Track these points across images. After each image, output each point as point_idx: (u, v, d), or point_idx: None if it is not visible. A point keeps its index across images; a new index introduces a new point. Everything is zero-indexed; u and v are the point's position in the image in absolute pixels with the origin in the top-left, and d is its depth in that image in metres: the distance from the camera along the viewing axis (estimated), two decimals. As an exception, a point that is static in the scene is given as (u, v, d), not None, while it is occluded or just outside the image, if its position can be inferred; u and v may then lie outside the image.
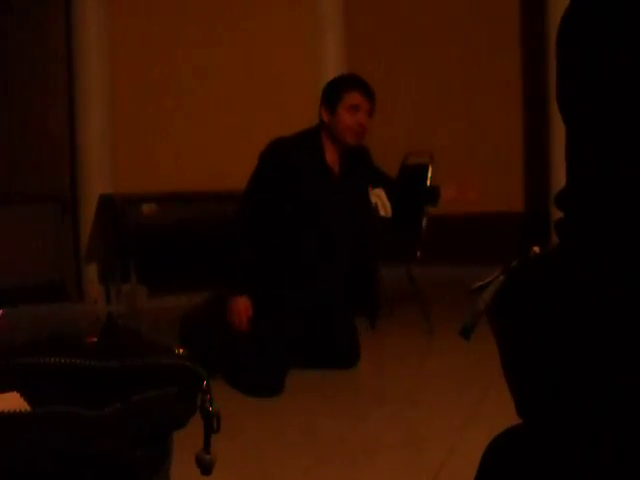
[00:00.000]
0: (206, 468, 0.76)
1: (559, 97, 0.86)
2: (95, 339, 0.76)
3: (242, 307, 3.12)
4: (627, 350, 0.75)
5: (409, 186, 4.15)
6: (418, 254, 4.11)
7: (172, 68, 5.41)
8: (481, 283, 0.93)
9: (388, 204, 4.07)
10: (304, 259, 3.31)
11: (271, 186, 3.28)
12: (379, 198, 4.10)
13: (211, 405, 0.74)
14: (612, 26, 0.77)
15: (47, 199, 5.19)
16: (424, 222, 4.15)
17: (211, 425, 0.74)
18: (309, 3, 5.72)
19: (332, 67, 5.61)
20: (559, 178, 5.01)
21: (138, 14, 5.33)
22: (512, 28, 6.26)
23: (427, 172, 4.22)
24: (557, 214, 0.89)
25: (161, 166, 5.32)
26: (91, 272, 5.14)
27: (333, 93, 3.40)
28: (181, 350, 0.76)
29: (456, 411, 2.66)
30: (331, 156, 3.42)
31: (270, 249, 3.26)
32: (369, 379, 3.28)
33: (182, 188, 5.06)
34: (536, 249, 0.89)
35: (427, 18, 6.50)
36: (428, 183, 4.18)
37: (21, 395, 0.69)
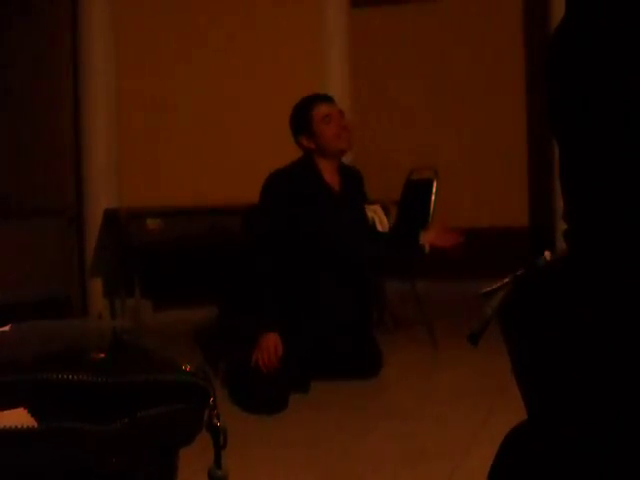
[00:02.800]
0: (219, 484, 0.76)
1: (552, 119, 0.87)
2: (102, 355, 0.76)
3: (272, 344, 3.06)
4: (633, 354, 0.76)
5: (406, 212, 4.21)
6: (423, 268, 4.11)
7: (178, 83, 5.44)
8: (490, 288, 0.94)
9: (385, 219, 4.10)
10: (316, 279, 3.33)
11: (280, 215, 3.29)
12: (376, 214, 4.13)
13: (218, 421, 0.74)
14: (607, 49, 0.78)
15: (52, 213, 5.20)
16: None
17: (218, 441, 0.74)
18: (315, 17, 5.74)
19: (337, 81, 5.64)
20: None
21: (144, 29, 5.36)
22: (516, 42, 6.28)
23: (432, 187, 4.23)
24: (562, 228, 0.89)
25: (166, 181, 5.34)
26: (96, 286, 5.15)
27: (300, 119, 3.45)
28: (188, 366, 0.76)
29: (462, 426, 2.65)
30: (330, 176, 3.46)
31: (285, 273, 3.26)
32: (374, 393, 3.27)
33: (187, 203, 5.08)
34: (547, 254, 0.90)
35: (433, 32, 6.52)
36: (432, 199, 4.19)
37: (28, 411, 0.69)
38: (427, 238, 3.63)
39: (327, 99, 3.50)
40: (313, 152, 3.43)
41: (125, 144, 5.26)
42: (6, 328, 0.80)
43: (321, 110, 3.42)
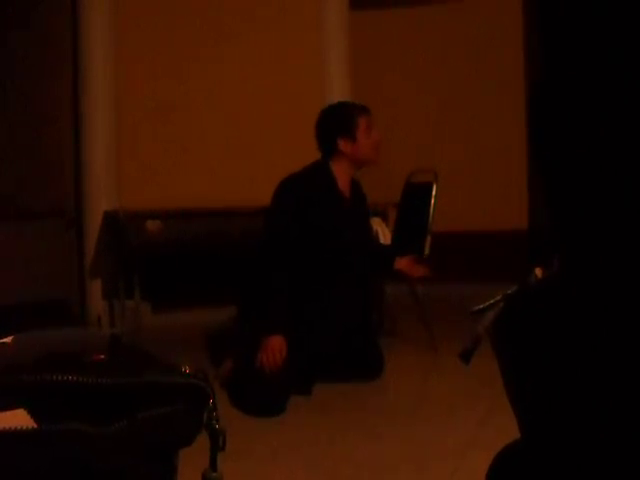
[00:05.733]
0: (213, 487, 0.76)
1: (536, 154, 0.89)
2: (102, 357, 0.76)
3: (277, 346, 3.08)
4: (624, 371, 0.76)
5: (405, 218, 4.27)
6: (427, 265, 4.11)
7: (177, 85, 5.44)
8: (482, 306, 0.94)
9: (388, 232, 4.14)
10: (327, 282, 3.37)
11: (293, 220, 3.32)
12: (379, 226, 4.17)
13: (217, 423, 0.74)
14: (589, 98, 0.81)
15: (51, 215, 5.20)
16: (428, 240, 4.16)
17: (217, 443, 0.74)
18: (314, 19, 5.75)
19: (337, 83, 5.64)
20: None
21: (144, 30, 5.36)
22: (516, 45, 6.29)
23: (431, 190, 4.23)
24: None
25: (166, 183, 5.34)
26: (95, 288, 5.15)
27: (346, 122, 3.47)
28: (187, 368, 0.76)
29: (462, 428, 2.66)
30: (343, 184, 3.51)
31: (295, 277, 3.28)
32: (374, 396, 3.27)
33: (186, 205, 5.07)
34: (538, 271, 0.90)
35: (432, 37, 6.53)
36: (432, 202, 4.20)
37: (27, 412, 0.69)
38: (400, 264, 3.77)
39: (369, 111, 3.58)
40: (342, 156, 3.46)
41: (124, 146, 5.25)
42: (8, 340, 0.81)
43: (365, 121, 3.50)
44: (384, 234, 4.24)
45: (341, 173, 3.49)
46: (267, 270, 3.22)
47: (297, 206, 3.33)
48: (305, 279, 3.32)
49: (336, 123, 3.49)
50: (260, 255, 3.28)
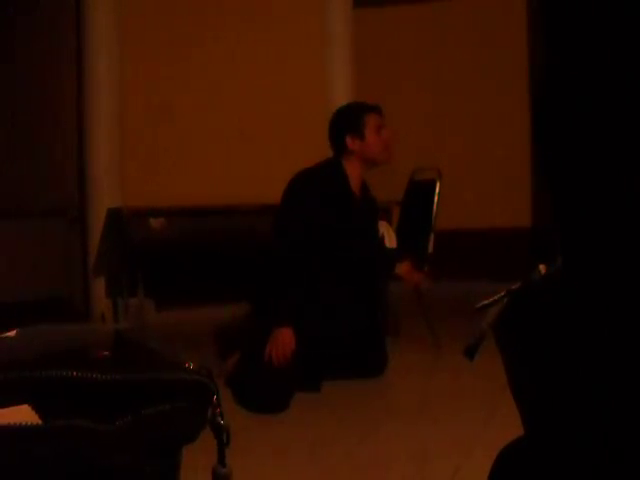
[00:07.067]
0: (223, 482, 0.76)
1: (543, 154, 0.90)
2: (106, 353, 0.76)
3: (286, 339, 3.11)
4: (627, 366, 0.76)
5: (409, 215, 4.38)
6: (425, 270, 4.11)
7: (180, 83, 5.44)
8: (486, 302, 0.94)
9: (393, 237, 4.15)
10: (335, 280, 3.37)
11: (308, 217, 3.33)
12: (386, 229, 4.17)
13: (221, 419, 0.74)
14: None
15: (55, 213, 5.21)
16: (431, 238, 4.16)
17: (222, 439, 0.74)
18: (317, 17, 5.74)
19: (340, 81, 5.64)
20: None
21: (147, 30, 5.36)
22: (519, 42, 6.28)
23: (435, 188, 4.23)
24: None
25: (169, 180, 5.34)
26: (99, 286, 5.15)
27: (353, 119, 3.50)
28: (191, 364, 0.76)
29: (464, 426, 2.65)
30: (355, 183, 3.53)
31: (304, 274, 3.30)
32: (377, 394, 3.27)
33: (190, 202, 5.08)
34: (542, 268, 0.91)
35: (435, 35, 6.52)
36: (435, 199, 4.19)
37: (32, 408, 0.69)
38: (400, 270, 3.83)
39: (380, 110, 3.58)
40: (353, 154, 3.46)
41: (128, 143, 5.26)
42: (12, 333, 0.81)
43: (375, 119, 3.52)
44: (390, 237, 4.24)
45: (352, 172, 3.50)
46: (280, 266, 3.23)
47: (312, 202, 3.34)
48: (314, 276, 3.33)
49: (344, 121, 3.52)
50: (273, 251, 3.29)
